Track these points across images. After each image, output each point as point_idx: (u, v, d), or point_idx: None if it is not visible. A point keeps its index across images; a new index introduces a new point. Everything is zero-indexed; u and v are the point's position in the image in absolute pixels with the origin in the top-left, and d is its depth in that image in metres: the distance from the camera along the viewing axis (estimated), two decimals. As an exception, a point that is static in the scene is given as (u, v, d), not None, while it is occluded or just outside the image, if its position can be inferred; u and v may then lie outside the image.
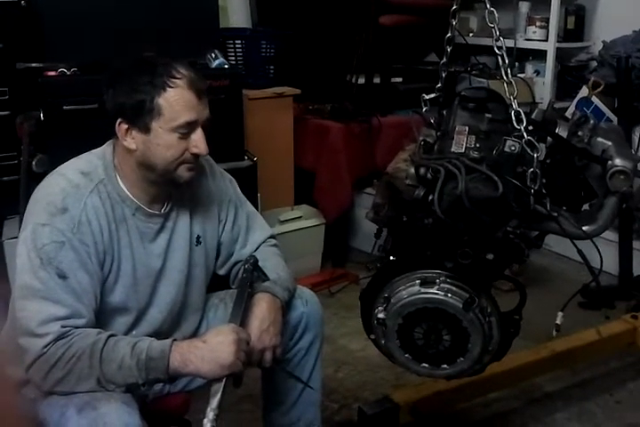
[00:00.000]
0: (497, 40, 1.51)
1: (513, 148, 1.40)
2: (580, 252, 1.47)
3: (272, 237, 1.74)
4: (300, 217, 3.11)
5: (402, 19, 3.24)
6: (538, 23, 3.36)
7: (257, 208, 2.02)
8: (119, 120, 1.42)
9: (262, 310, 1.51)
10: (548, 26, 3.32)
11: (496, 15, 1.53)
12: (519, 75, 3.34)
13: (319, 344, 1.69)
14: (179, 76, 1.40)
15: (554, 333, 1.48)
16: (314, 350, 1.68)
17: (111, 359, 1.34)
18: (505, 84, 1.49)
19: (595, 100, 3.06)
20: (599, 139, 1.51)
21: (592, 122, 1.53)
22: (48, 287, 1.36)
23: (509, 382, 2.18)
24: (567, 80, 3.43)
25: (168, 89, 1.38)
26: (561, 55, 3.40)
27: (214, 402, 1.32)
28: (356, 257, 3.27)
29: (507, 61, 1.50)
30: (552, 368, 2.27)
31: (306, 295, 1.69)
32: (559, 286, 2.99)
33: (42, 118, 2.29)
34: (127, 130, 1.42)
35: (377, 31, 3.10)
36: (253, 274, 1.56)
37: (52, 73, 2.34)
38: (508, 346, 1.52)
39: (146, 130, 1.40)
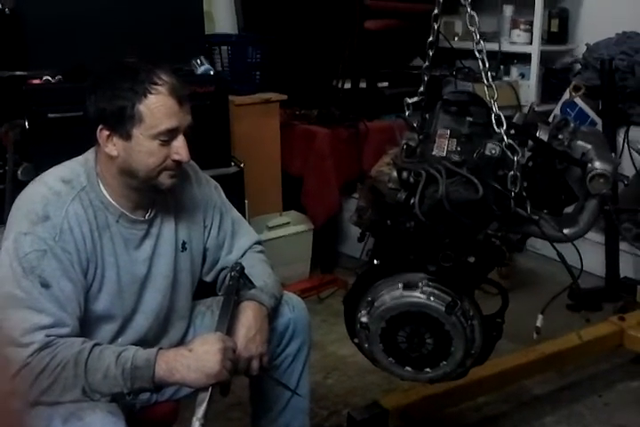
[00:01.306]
0: (477, 43, 1.51)
1: (493, 151, 1.41)
2: (559, 254, 1.47)
3: (258, 242, 1.73)
4: (288, 223, 3.10)
5: (387, 23, 3.26)
6: (522, 26, 3.39)
7: (244, 215, 2.02)
8: (100, 126, 1.41)
9: (248, 318, 1.51)
10: (532, 29, 3.35)
11: (476, 19, 1.53)
12: (504, 78, 3.36)
13: (307, 351, 1.68)
14: (160, 83, 1.39)
15: (534, 335, 1.48)
16: (301, 356, 1.67)
17: (96, 369, 1.33)
18: (485, 88, 1.49)
19: (579, 102, 3.07)
20: (579, 142, 1.51)
21: (572, 125, 1.53)
22: (31, 296, 1.35)
23: (498, 385, 2.18)
24: (552, 83, 3.45)
25: (149, 95, 1.38)
26: (545, 58, 3.43)
27: (200, 411, 1.31)
28: (344, 263, 3.26)
29: (487, 65, 1.51)
30: (540, 371, 2.27)
31: (293, 302, 1.68)
32: (548, 289, 2.96)
33: (27, 127, 2.28)
34: (108, 136, 1.41)
35: (362, 36, 3.11)
36: (239, 282, 1.55)
37: (37, 81, 2.33)
38: (490, 350, 1.52)
39: (127, 136, 1.39)
